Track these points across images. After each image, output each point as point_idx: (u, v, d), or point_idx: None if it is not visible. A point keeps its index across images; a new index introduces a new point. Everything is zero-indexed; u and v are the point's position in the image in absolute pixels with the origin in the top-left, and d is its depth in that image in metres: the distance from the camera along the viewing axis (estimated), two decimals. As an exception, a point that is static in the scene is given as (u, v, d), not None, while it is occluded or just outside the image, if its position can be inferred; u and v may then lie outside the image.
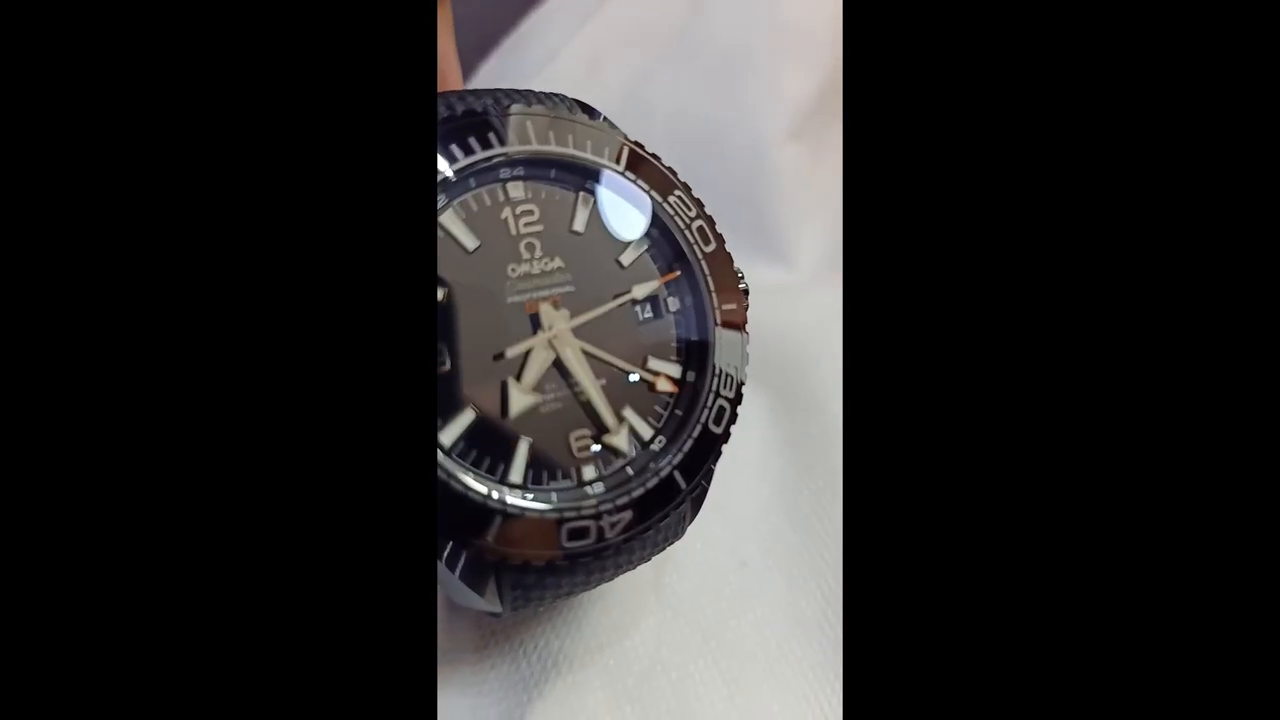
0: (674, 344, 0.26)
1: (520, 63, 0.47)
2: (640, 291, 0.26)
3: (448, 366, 0.23)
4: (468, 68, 0.48)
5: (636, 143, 0.27)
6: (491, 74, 0.49)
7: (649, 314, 0.26)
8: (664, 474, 0.25)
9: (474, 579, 0.24)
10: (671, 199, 0.27)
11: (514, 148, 0.24)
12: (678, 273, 0.26)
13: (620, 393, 0.26)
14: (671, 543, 0.27)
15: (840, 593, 0.31)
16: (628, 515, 0.24)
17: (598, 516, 0.24)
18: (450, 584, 0.24)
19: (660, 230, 0.27)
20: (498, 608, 0.24)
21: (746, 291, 0.27)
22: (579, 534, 0.24)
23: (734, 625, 0.30)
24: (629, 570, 0.26)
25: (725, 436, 0.26)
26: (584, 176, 0.26)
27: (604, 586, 0.30)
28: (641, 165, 0.26)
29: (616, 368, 0.26)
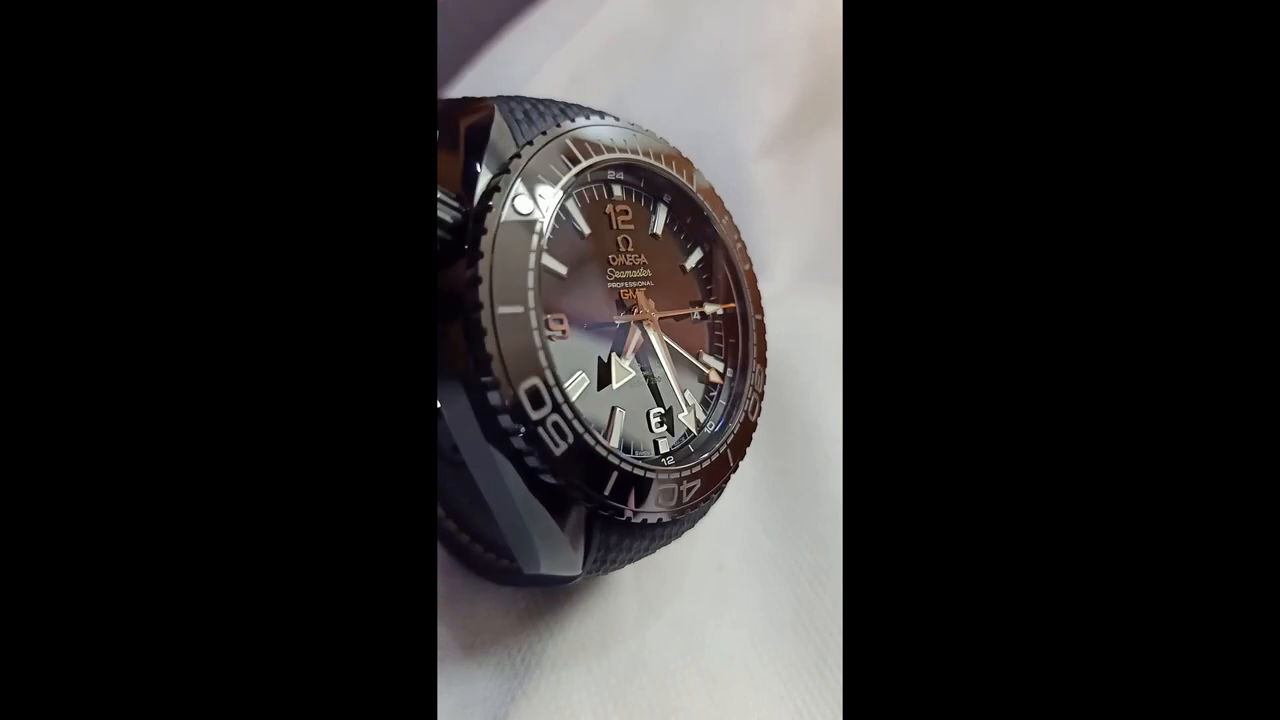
0: (720, 344, 0.30)
1: (503, 77, 0.48)
2: (709, 309, 0.30)
3: (566, 334, 0.26)
4: (445, 81, 0.49)
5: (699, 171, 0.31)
6: (471, 87, 0.49)
7: (698, 317, 0.30)
8: (721, 451, 0.28)
9: (575, 533, 0.25)
10: (725, 221, 0.31)
11: (622, 155, 0.28)
12: (734, 304, 0.30)
13: (684, 379, 0.29)
14: (700, 519, 0.30)
15: (813, 594, 0.32)
16: (698, 484, 0.27)
17: (679, 482, 0.27)
18: (534, 542, 0.25)
19: (716, 244, 0.30)
20: (577, 569, 0.26)
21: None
22: (667, 496, 0.26)
23: (712, 626, 0.31)
24: (672, 541, 0.29)
25: (755, 425, 0.30)
26: (665, 189, 0.30)
27: (586, 590, 0.31)
28: (706, 189, 0.31)
29: (683, 358, 0.29)
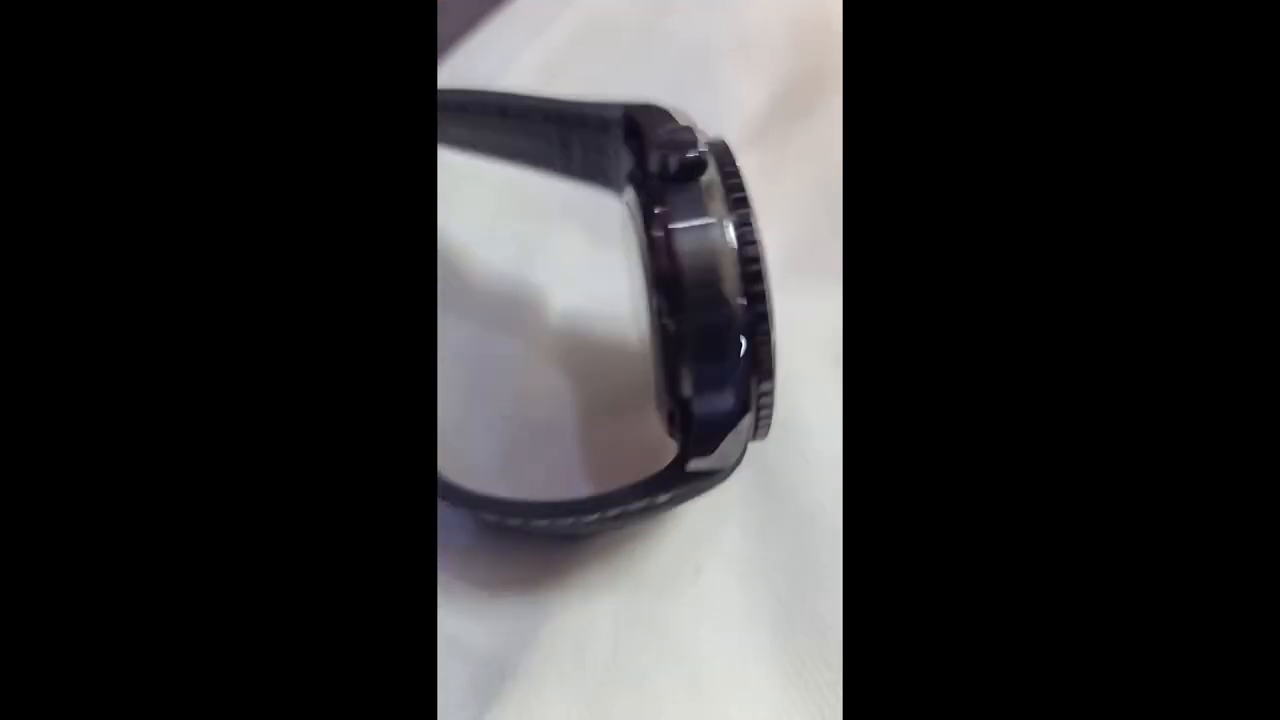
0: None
1: (477, 67, 0.47)
2: None
3: None
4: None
5: None
6: (446, 78, 0.48)
7: None
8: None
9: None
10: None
11: None
12: None
13: None
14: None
15: (791, 596, 0.31)
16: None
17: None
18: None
19: None
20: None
21: None
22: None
23: (690, 630, 0.30)
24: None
25: None
26: None
27: (560, 596, 0.31)
28: None
29: None
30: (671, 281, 0.25)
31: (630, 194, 0.29)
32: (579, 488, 0.33)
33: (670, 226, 0.25)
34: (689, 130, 0.27)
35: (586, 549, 0.32)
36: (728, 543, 0.33)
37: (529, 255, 0.42)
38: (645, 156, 0.27)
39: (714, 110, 0.46)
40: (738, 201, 0.26)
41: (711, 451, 0.27)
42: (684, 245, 0.25)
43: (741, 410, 0.26)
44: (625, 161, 0.32)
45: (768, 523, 0.33)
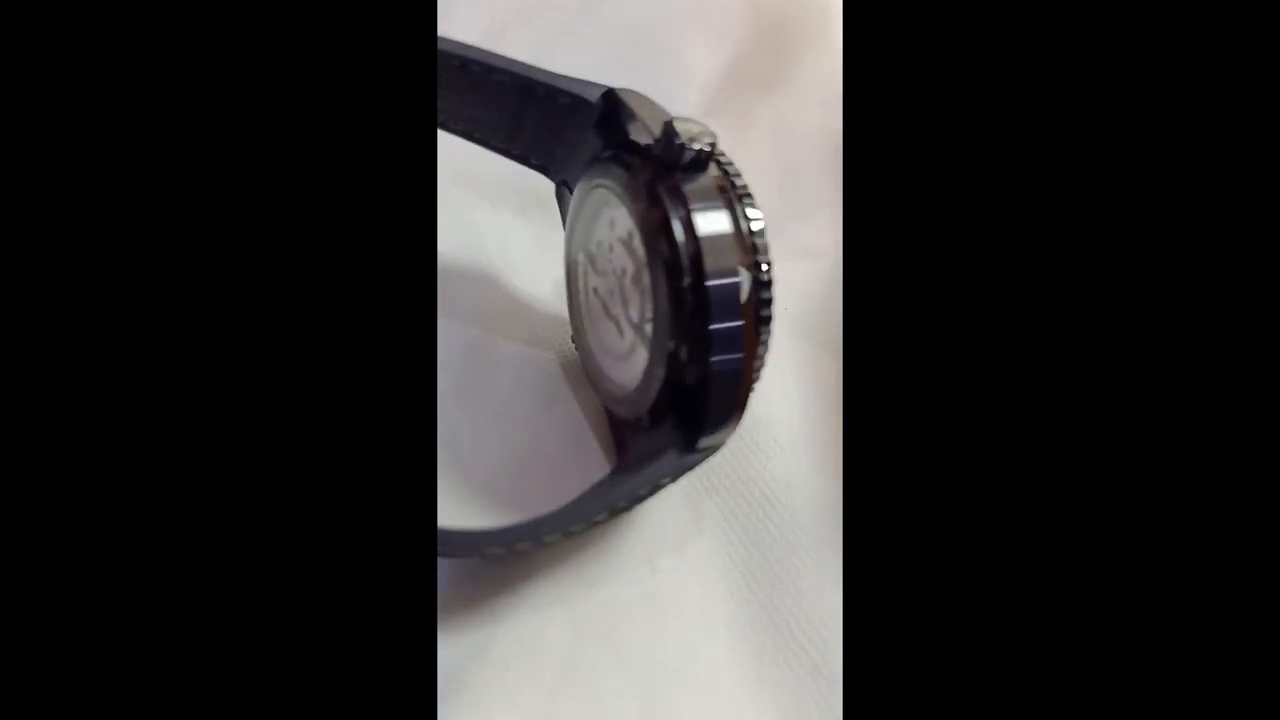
0: None
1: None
2: None
3: None
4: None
5: None
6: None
7: None
8: None
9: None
10: None
11: None
12: None
13: None
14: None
15: (747, 591, 0.31)
16: None
17: None
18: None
19: None
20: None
21: None
22: None
23: (645, 635, 0.30)
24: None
25: None
26: None
27: (510, 606, 0.30)
28: None
29: None
30: (692, 262, 0.26)
31: (610, 176, 0.29)
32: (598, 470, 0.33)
33: (692, 210, 0.26)
34: (696, 122, 0.27)
35: (538, 558, 0.31)
36: (683, 543, 0.32)
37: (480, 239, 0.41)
38: (634, 138, 0.29)
39: (665, 78, 0.44)
40: (739, 187, 0.27)
41: (722, 428, 0.28)
42: (705, 228, 0.26)
43: (748, 388, 0.28)
44: (590, 145, 0.31)
45: (723, 518, 0.33)
